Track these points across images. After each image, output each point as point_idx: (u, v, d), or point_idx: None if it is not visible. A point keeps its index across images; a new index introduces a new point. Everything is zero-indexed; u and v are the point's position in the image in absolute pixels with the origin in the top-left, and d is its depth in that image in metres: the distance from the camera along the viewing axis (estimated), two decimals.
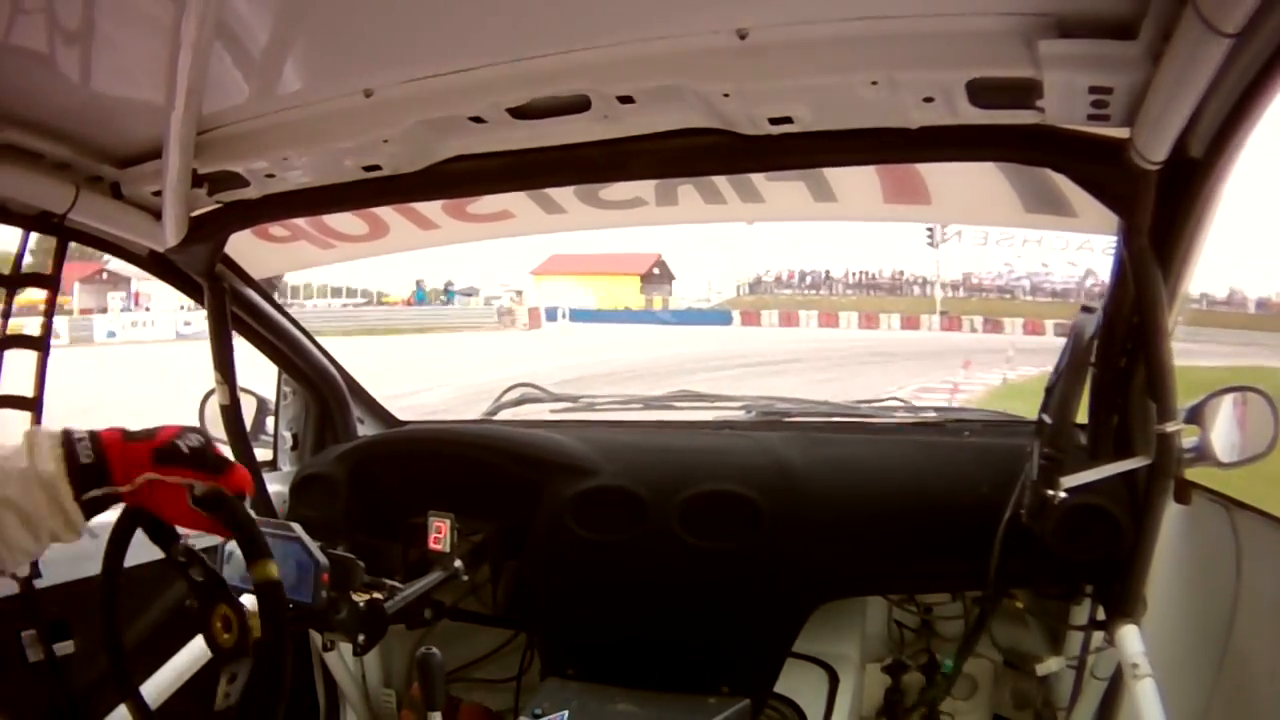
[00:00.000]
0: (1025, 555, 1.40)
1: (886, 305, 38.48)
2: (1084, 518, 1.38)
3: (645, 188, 1.65)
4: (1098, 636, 1.43)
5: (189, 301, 1.88)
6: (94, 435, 1.00)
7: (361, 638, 1.37)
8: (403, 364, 15.02)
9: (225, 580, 1.22)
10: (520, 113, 1.15)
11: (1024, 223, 1.54)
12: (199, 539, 1.67)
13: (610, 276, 39.18)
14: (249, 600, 1.16)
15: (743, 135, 1.14)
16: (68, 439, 0.98)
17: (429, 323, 28.68)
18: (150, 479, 1.01)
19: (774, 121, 1.11)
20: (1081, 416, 1.44)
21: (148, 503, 1.06)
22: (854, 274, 42.45)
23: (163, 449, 1.02)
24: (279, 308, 1.88)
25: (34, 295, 1.43)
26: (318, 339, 2.02)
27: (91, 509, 0.99)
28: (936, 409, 1.98)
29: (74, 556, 1.40)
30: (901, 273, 42.12)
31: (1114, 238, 1.27)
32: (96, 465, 0.98)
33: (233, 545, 1.27)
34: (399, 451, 1.94)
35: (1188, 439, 1.34)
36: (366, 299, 36.42)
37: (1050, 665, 1.53)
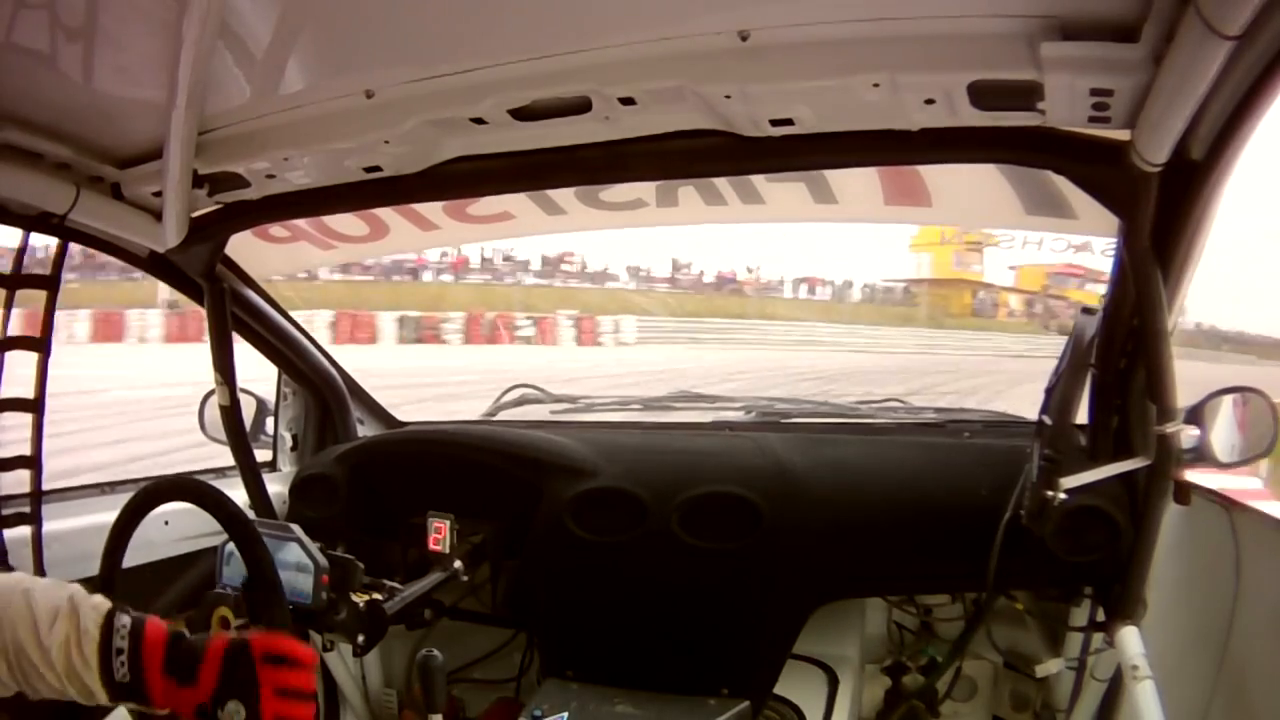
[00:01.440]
0: (1025, 556, 1.40)
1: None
2: (1084, 519, 1.38)
3: (646, 189, 1.65)
4: (1097, 638, 1.43)
5: None
6: (135, 643, 0.92)
7: (361, 638, 1.37)
8: None
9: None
10: (521, 114, 1.15)
11: (1025, 224, 1.54)
12: (195, 539, 1.69)
13: None
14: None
15: (744, 137, 1.14)
16: (105, 642, 0.92)
17: None
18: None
19: (775, 123, 1.11)
20: (1081, 417, 1.44)
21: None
22: None
23: (204, 710, 0.93)
24: (279, 309, 1.88)
25: None
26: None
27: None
28: (936, 409, 1.97)
29: (74, 557, 1.40)
30: None
31: (1114, 239, 1.27)
32: (133, 684, 0.92)
33: (231, 546, 1.27)
34: (399, 452, 1.94)
35: (1187, 440, 1.34)
36: None
37: (1050, 667, 1.53)
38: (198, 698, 0.93)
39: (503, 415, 2.21)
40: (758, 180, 1.54)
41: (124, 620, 0.94)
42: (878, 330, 26.62)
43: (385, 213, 1.76)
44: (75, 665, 0.91)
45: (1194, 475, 1.36)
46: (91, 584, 1.20)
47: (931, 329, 27.75)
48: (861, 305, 31.11)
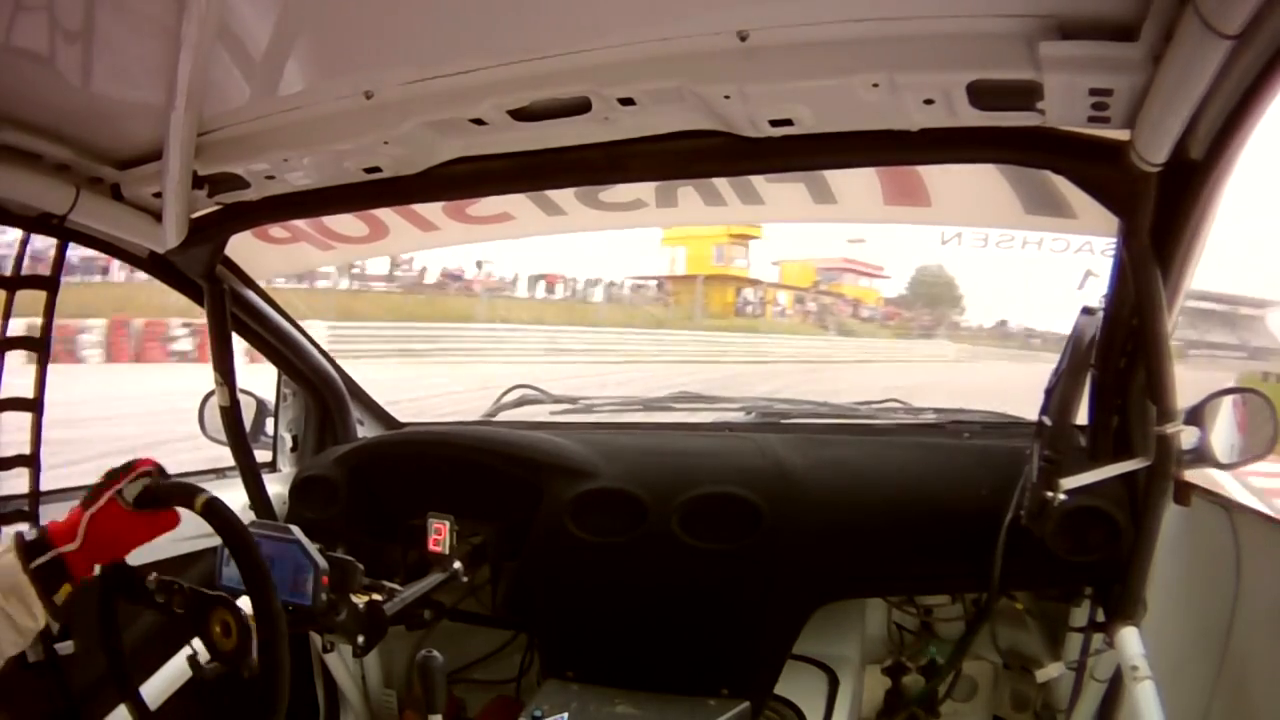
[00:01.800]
0: (1025, 557, 1.40)
1: None
2: (1084, 519, 1.38)
3: (645, 190, 1.65)
4: (1097, 638, 1.43)
5: None
6: (42, 527, 1.13)
7: (361, 639, 1.36)
8: None
9: (205, 591, 1.23)
10: (521, 115, 1.15)
11: (1024, 224, 1.53)
12: (195, 540, 1.69)
13: None
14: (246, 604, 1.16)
15: (743, 137, 1.14)
16: (17, 535, 1.11)
17: None
18: (89, 515, 1.13)
19: (775, 123, 1.11)
20: (1081, 418, 1.44)
21: (102, 550, 1.15)
22: None
23: (84, 500, 1.15)
24: (279, 309, 1.88)
25: None
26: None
27: (45, 582, 1.08)
28: (936, 410, 1.97)
29: None
30: None
31: (1113, 239, 1.27)
32: (40, 539, 1.10)
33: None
34: (398, 453, 1.94)
35: (1187, 440, 1.34)
36: None
37: (1050, 671, 1.53)
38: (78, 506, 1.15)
39: (502, 416, 2.21)
40: (757, 181, 1.54)
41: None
42: (638, 336, 21.58)
43: (385, 213, 1.76)
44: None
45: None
46: (93, 585, 1.21)
47: (696, 331, 23.55)
48: (611, 306, 25.94)
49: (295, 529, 1.36)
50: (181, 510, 1.24)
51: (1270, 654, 1.28)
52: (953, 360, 24.92)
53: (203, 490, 1.21)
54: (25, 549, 1.07)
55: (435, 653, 1.42)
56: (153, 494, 1.18)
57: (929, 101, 1.02)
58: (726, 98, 1.06)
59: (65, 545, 1.10)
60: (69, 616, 1.13)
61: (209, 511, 1.22)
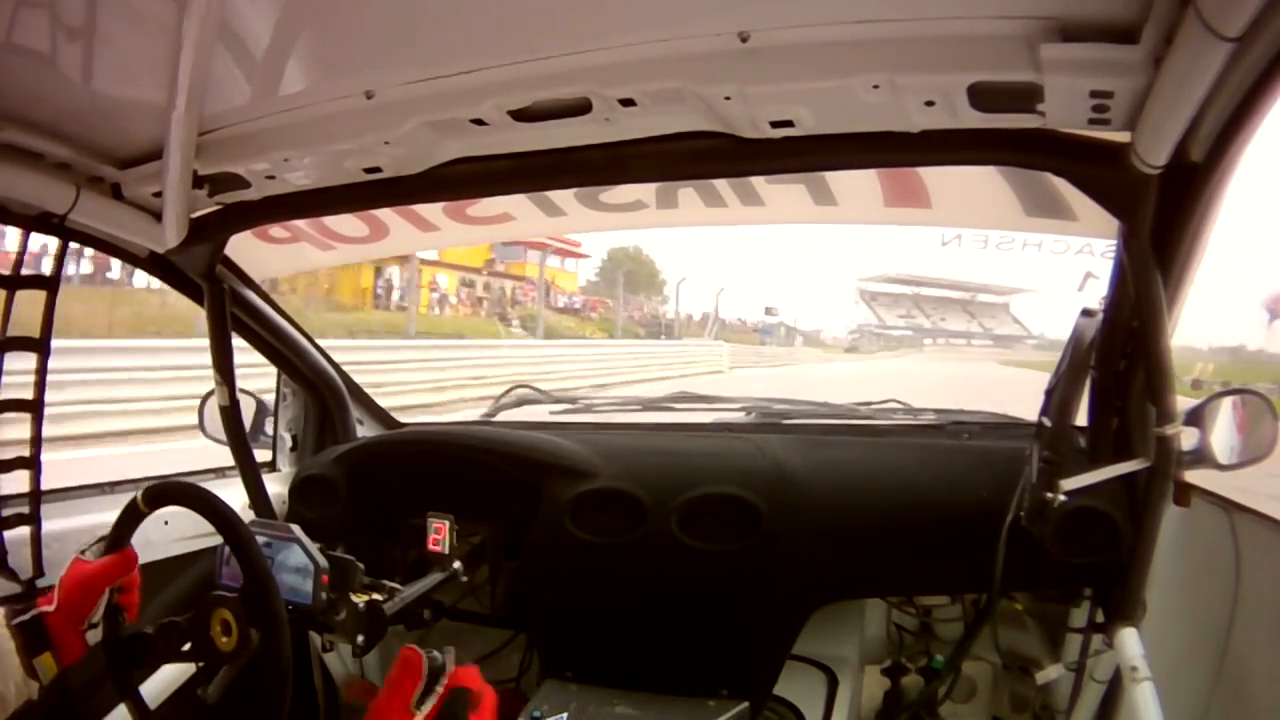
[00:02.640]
0: (1025, 558, 1.40)
1: None
2: (1083, 521, 1.38)
3: (646, 191, 1.65)
4: (1097, 639, 1.43)
5: None
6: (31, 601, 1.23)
7: (361, 639, 1.37)
8: None
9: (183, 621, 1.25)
10: (521, 115, 1.15)
11: (1024, 226, 1.53)
12: (195, 540, 1.69)
13: None
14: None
15: (744, 138, 1.14)
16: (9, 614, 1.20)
17: None
18: (59, 580, 1.23)
19: (775, 125, 1.10)
20: (1081, 419, 1.44)
21: (75, 606, 1.23)
22: None
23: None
24: (279, 309, 1.88)
25: None
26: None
27: (26, 641, 1.17)
28: (936, 411, 1.98)
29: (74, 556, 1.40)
30: None
31: (1114, 241, 1.27)
32: (24, 605, 1.20)
33: (229, 548, 1.28)
34: (398, 453, 1.94)
35: (1187, 442, 1.34)
36: None
37: (1049, 673, 1.53)
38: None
39: (502, 416, 2.22)
40: (758, 182, 1.54)
41: None
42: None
43: (385, 214, 1.76)
44: None
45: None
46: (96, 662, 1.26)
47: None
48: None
49: (295, 528, 1.36)
50: (181, 510, 1.25)
51: (1270, 655, 1.28)
52: (730, 369, 21.17)
53: (203, 489, 1.22)
54: (8, 612, 1.17)
55: (436, 653, 1.42)
56: (159, 494, 1.22)
57: (930, 103, 1.02)
58: (727, 99, 1.06)
59: (44, 606, 1.20)
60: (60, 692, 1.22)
61: (209, 510, 1.22)
